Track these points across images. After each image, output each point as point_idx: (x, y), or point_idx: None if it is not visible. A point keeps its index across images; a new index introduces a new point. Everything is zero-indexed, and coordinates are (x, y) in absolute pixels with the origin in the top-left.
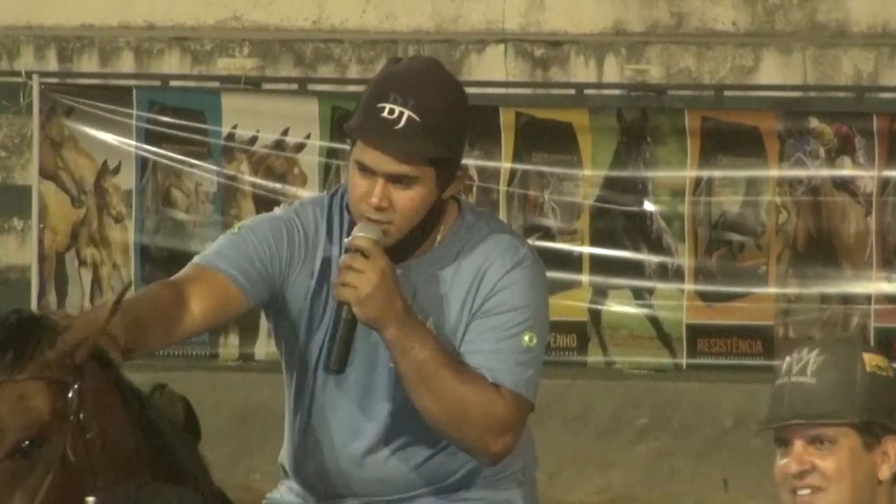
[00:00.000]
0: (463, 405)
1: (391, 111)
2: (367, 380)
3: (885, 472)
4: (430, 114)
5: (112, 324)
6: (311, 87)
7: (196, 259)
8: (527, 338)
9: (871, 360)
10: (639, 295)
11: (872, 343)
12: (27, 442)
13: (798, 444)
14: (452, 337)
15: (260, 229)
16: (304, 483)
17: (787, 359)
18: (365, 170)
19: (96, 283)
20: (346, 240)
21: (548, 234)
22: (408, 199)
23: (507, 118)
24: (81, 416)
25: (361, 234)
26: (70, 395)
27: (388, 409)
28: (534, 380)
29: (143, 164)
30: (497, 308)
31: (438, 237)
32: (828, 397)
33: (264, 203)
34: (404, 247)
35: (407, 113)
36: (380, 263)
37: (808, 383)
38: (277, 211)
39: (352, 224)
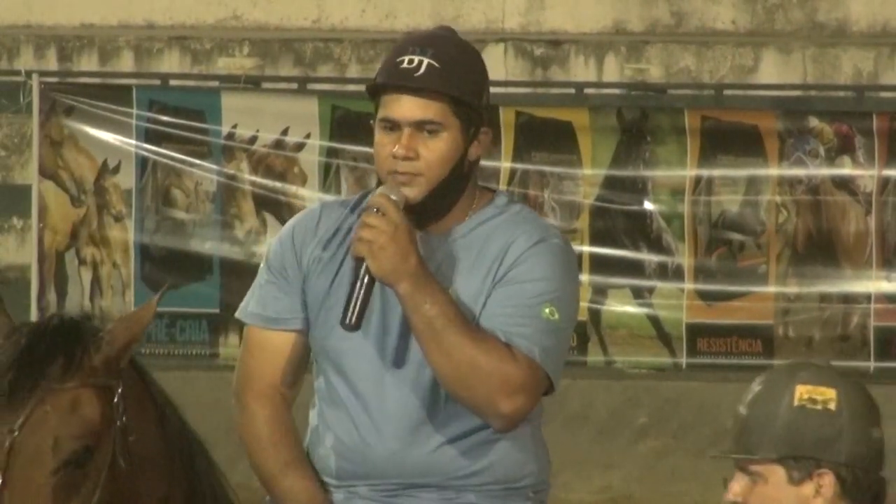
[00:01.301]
0: (472, 362)
1: (410, 61)
2: (388, 359)
3: None
4: (448, 61)
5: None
6: (311, 86)
7: (251, 320)
8: (547, 310)
9: (804, 392)
10: (639, 294)
11: (872, 343)
12: (81, 450)
13: (738, 473)
14: (474, 306)
15: (278, 256)
16: (319, 461)
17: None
18: (390, 125)
19: (96, 282)
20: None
21: None
22: (434, 149)
23: (507, 117)
24: (125, 419)
25: (381, 192)
26: (116, 399)
27: (407, 390)
28: (553, 352)
29: (142, 163)
30: (518, 277)
31: (469, 214)
32: (752, 432)
33: (264, 202)
34: (436, 209)
35: (426, 60)
36: (394, 219)
37: (741, 415)
38: (287, 225)
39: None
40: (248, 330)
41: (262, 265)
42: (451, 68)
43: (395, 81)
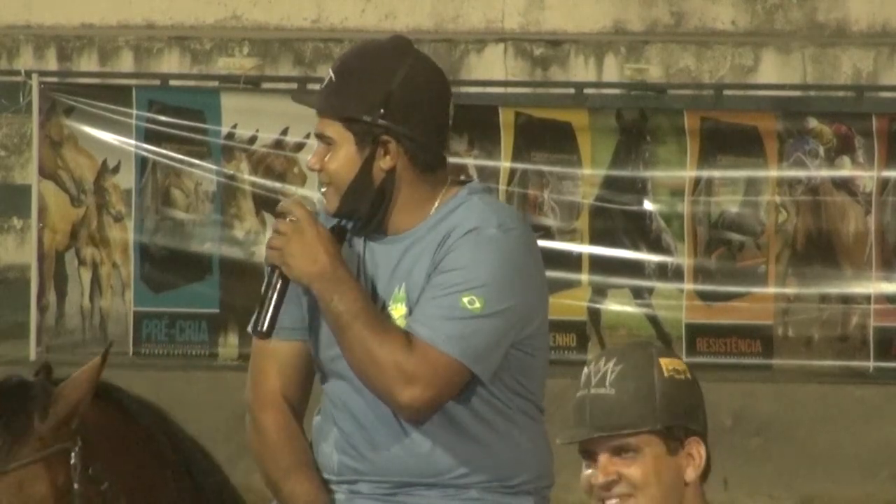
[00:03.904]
0: (371, 355)
1: (326, 75)
2: None
3: (690, 474)
4: (344, 74)
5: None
6: (311, 86)
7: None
8: (465, 299)
9: (667, 364)
10: (638, 294)
11: (871, 343)
12: None
13: (603, 456)
14: (418, 297)
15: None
16: (322, 457)
17: (586, 370)
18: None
19: (96, 282)
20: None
21: (547, 233)
22: (330, 161)
23: (506, 117)
24: (91, 471)
25: (291, 199)
26: (73, 461)
27: None
28: (467, 339)
29: (142, 163)
30: (441, 268)
31: (430, 213)
32: (628, 407)
33: (264, 202)
34: (361, 216)
35: (330, 74)
36: (300, 224)
37: (607, 395)
38: None
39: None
40: (255, 341)
41: (265, 281)
42: (345, 83)
43: (307, 98)
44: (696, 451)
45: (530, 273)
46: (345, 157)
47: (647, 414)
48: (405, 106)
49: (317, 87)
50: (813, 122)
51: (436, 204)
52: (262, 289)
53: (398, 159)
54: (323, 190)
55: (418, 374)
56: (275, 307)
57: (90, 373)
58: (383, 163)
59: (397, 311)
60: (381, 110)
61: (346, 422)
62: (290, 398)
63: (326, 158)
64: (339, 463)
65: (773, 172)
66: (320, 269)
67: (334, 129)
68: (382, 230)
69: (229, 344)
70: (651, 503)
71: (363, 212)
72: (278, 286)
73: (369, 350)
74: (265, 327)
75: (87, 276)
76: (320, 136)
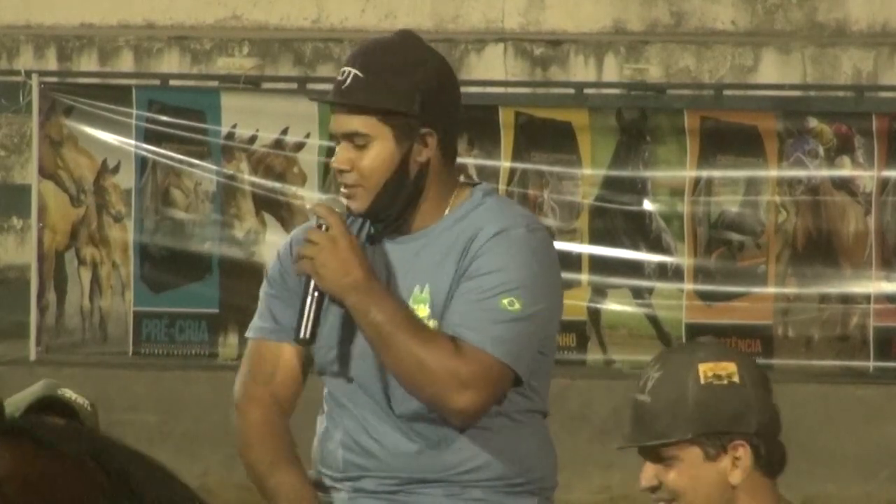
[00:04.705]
0: (419, 362)
1: (343, 73)
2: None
3: (736, 477)
4: (373, 69)
5: (300, 480)
6: (311, 86)
7: (251, 333)
8: (505, 301)
9: (707, 370)
10: (638, 294)
11: (871, 343)
12: None
13: (647, 462)
14: (445, 301)
15: (277, 268)
16: (328, 455)
17: (641, 373)
18: (334, 139)
19: (95, 282)
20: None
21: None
22: (366, 158)
23: (506, 117)
24: None
25: (322, 203)
26: None
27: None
28: (511, 342)
29: (142, 163)
30: (477, 271)
31: (446, 212)
32: (660, 416)
33: (264, 202)
34: (390, 214)
35: (353, 72)
36: (333, 232)
37: (644, 402)
38: (287, 238)
39: None
40: (249, 342)
41: (264, 282)
42: (376, 77)
43: (329, 97)
44: (744, 454)
45: (555, 273)
46: (383, 153)
47: (678, 423)
48: (438, 97)
49: (316, 86)
50: (813, 122)
51: (449, 203)
52: (300, 298)
53: (433, 152)
54: (348, 191)
55: (472, 378)
56: (315, 315)
57: None
58: (420, 156)
59: (420, 312)
60: (419, 102)
61: (350, 420)
62: (278, 396)
63: (357, 156)
64: (344, 460)
65: (773, 172)
66: (354, 280)
67: (370, 125)
68: (400, 230)
69: (229, 344)
70: None
71: (395, 210)
72: (315, 294)
73: (418, 358)
74: (307, 335)
75: (87, 276)
76: (351, 135)
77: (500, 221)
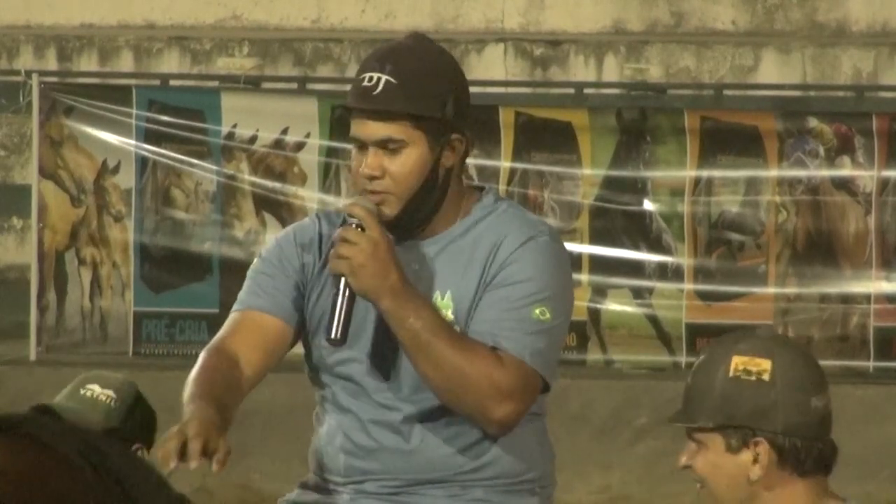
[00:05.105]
0: (460, 372)
1: (370, 79)
2: (389, 361)
3: (755, 473)
4: (407, 75)
5: (203, 410)
6: (311, 86)
7: (235, 306)
8: (537, 311)
9: (739, 363)
10: (638, 294)
11: (871, 343)
12: None
13: (688, 441)
14: (469, 309)
15: (270, 254)
16: (329, 460)
17: None
18: (359, 144)
19: (96, 282)
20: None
21: None
22: (399, 164)
23: (506, 117)
24: None
25: (357, 203)
26: None
27: (408, 391)
28: (545, 353)
29: (142, 163)
30: (507, 280)
31: (459, 217)
32: (693, 400)
33: (264, 202)
34: (415, 220)
35: (384, 77)
36: (373, 234)
37: (688, 384)
38: (287, 228)
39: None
40: (233, 313)
41: (255, 261)
42: (410, 83)
43: (355, 103)
44: (764, 451)
45: (571, 282)
46: (417, 159)
47: (704, 411)
48: (464, 102)
49: (316, 86)
50: (813, 122)
51: (461, 207)
52: (332, 297)
53: (458, 157)
54: (378, 197)
55: (512, 389)
56: (346, 315)
57: None
58: (448, 161)
59: None
60: (450, 107)
61: (352, 424)
62: (244, 357)
63: (389, 162)
64: (346, 464)
65: (773, 172)
66: (392, 284)
67: (405, 131)
68: (413, 234)
69: None
70: (718, 494)
71: (422, 216)
72: (346, 294)
73: (458, 367)
74: (339, 335)
75: (87, 276)
76: (384, 141)
77: (525, 229)
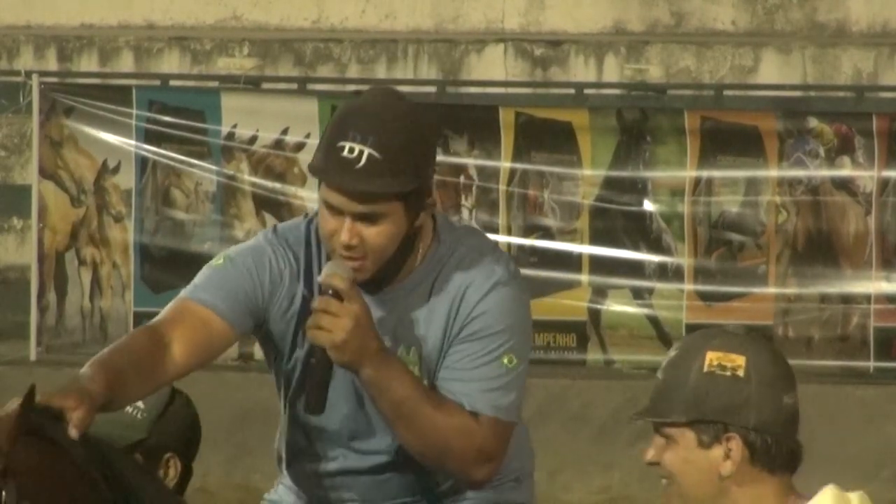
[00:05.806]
0: (443, 439)
1: (351, 150)
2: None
3: (726, 469)
4: (390, 149)
5: (92, 379)
6: (311, 86)
7: (182, 293)
8: (506, 360)
9: (714, 358)
10: (638, 295)
11: (871, 343)
12: None
13: (655, 436)
14: (436, 363)
15: (241, 259)
16: (308, 489)
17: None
18: (332, 209)
19: (96, 282)
20: (318, 278)
21: (547, 233)
22: (377, 235)
23: (506, 117)
24: None
25: (336, 273)
26: (3, 502)
27: (386, 441)
28: (515, 401)
29: (142, 163)
30: (475, 334)
31: (417, 261)
32: (664, 395)
33: (264, 202)
34: (381, 277)
35: (367, 151)
36: (354, 306)
37: (657, 378)
38: (258, 238)
39: (328, 256)
40: (181, 299)
41: (222, 258)
42: (393, 157)
43: (334, 176)
44: (735, 447)
45: (531, 316)
46: (395, 227)
47: (675, 406)
48: (432, 156)
49: (316, 86)
50: (813, 122)
51: (418, 251)
52: (310, 366)
53: (428, 214)
54: (354, 263)
55: (491, 451)
56: (323, 386)
57: (10, 422)
58: (420, 220)
59: None
60: (427, 171)
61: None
62: (176, 350)
63: (367, 232)
64: (326, 497)
65: (774, 172)
66: (373, 354)
67: (385, 206)
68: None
69: None
70: (686, 491)
71: (392, 271)
72: (323, 364)
73: (442, 434)
74: (319, 408)
75: (87, 276)
76: (366, 215)
77: (486, 274)
